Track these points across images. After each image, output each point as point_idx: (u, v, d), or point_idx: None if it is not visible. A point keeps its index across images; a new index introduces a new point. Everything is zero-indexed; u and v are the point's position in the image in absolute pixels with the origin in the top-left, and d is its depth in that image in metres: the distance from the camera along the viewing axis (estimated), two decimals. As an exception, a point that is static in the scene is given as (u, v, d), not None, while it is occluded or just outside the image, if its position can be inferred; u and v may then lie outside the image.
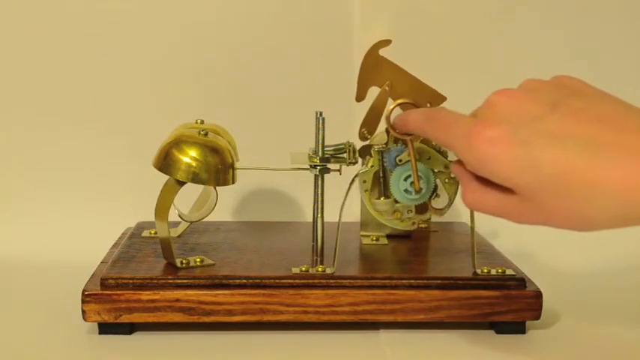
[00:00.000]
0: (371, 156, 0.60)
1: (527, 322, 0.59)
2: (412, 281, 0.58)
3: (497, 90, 0.44)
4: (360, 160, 0.62)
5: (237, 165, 0.59)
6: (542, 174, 0.40)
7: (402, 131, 0.54)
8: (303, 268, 0.58)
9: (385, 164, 0.59)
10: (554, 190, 0.39)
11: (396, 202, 0.59)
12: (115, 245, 0.69)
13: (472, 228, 0.60)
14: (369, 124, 0.67)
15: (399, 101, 0.55)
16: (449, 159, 0.59)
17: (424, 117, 0.50)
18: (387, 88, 0.66)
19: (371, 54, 0.67)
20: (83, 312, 0.56)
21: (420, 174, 0.58)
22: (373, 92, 0.69)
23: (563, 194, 0.39)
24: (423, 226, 0.72)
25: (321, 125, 0.60)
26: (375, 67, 0.66)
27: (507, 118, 0.42)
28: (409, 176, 0.58)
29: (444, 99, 0.67)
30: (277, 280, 0.57)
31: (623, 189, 0.38)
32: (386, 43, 0.67)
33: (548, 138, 0.40)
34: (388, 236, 0.69)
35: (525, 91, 0.44)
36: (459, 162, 0.46)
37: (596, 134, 0.39)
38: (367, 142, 0.62)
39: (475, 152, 0.42)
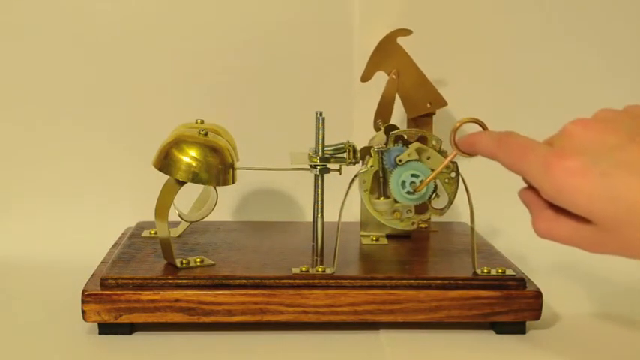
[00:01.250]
0: (371, 156, 0.60)
1: (527, 322, 0.59)
2: (412, 281, 0.58)
3: (573, 120, 0.45)
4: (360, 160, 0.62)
5: (237, 165, 0.59)
6: (621, 205, 0.40)
7: (467, 152, 0.53)
8: (303, 268, 0.58)
9: (385, 164, 0.59)
10: (633, 221, 0.40)
11: (396, 202, 0.59)
12: (115, 245, 0.69)
13: (472, 228, 0.60)
14: (383, 114, 0.67)
15: (467, 119, 0.53)
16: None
17: (496, 141, 0.49)
18: (394, 77, 0.66)
19: (388, 39, 0.67)
20: (83, 312, 0.56)
21: (419, 173, 0.58)
22: (376, 93, 0.69)
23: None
24: (423, 226, 0.71)
25: (321, 125, 0.60)
26: (388, 53, 0.67)
27: (585, 148, 0.42)
28: (410, 175, 0.58)
29: (444, 103, 0.67)
30: (277, 280, 0.57)
31: None
32: (406, 32, 0.67)
33: (627, 169, 0.40)
34: (388, 236, 0.69)
35: (601, 122, 0.44)
36: (530, 189, 0.46)
37: None
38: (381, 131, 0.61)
39: (553, 182, 0.42)
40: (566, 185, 0.41)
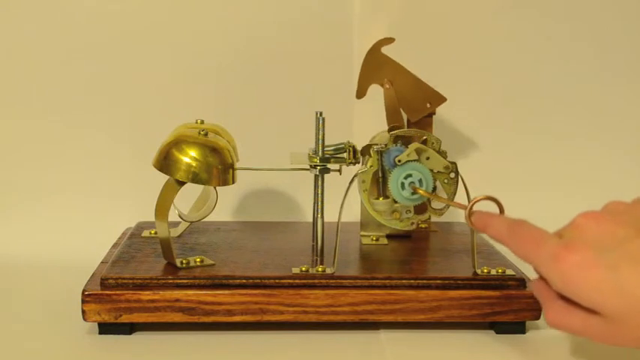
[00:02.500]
0: (370, 156, 0.60)
1: (527, 322, 0.59)
2: (412, 281, 0.58)
3: (582, 212, 0.45)
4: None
5: (237, 165, 0.59)
6: (629, 298, 0.40)
7: (479, 230, 0.53)
8: (303, 268, 0.58)
9: (384, 164, 0.59)
10: None
11: (395, 202, 0.59)
12: (115, 245, 0.69)
13: (472, 228, 0.60)
14: (395, 121, 0.67)
15: (483, 197, 0.53)
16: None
17: (508, 229, 0.49)
18: (387, 86, 0.66)
19: (373, 51, 0.67)
20: (83, 312, 0.56)
21: (417, 172, 0.58)
22: (376, 92, 0.69)
23: None
24: (423, 226, 0.72)
25: (321, 125, 0.60)
26: (376, 65, 0.67)
27: (594, 241, 0.43)
28: (408, 176, 0.58)
29: (444, 100, 0.67)
30: (277, 280, 0.57)
31: None
32: (389, 40, 0.67)
33: (634, 261, 0.41)
34: (388, 236, 0.69)
35: (611, 215, 0.45)
36: (541, 280, 0.47)
37: None
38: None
39: (562, 275, 0.43)
40: (574, 278, 0.42)
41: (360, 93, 0.68)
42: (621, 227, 0.43)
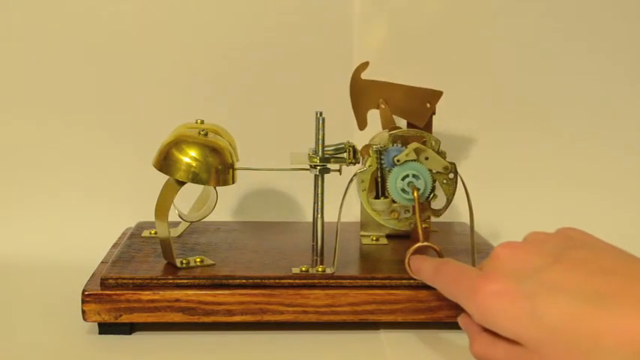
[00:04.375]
0: (369, 156, 0.60)
1: (527, 322, 0.59)
2: (412, 281, 0.58)
3: (501, 243, 0.45)
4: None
5: (237, 165, 0.59)
6: (546, 326, 0.39)
7: (415, 276, 0.55)
8: (303, 268, 0.58)
9: (383, 164, 0.59)
10: (559, 343, 0.39)
11: (394, 202, 0.59)
12: (115, 245, 0.69)
13: (472, 228, 0.60)
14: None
15: (417, 246, 0.55)
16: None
17: (433, 270, 0.51)
18: (383, 106, 0.66)
19: (355, 81, 0.67)
20: (83, 312, 0.56)
21: (417, 173, 0.58)
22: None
23: (568, 347, 0.39)
24: (423, 226, 0.71)
25: (321, 125, 0.60)
26: (363, 92, 0.67)
27: (511, 271, 0.43)
28: (406, 176, 0.58)
29: (440, 93, 0.67)
30: (277, 280, 0.57)
31: (628, 340, 0.37)
32: (364, 66, 0.67)
33: (551, 289, 0.40)
34: (388, 236, 0.69)
35: (529, 244, 0.45)
36: (466, 314, 0.47)
37: (600, 285, 0.39)
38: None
39: (480, 306, 0.43)
40: (491, 308, 0.42)
41: (361, 124, 0.69)
42: (538, 255, 0.43)
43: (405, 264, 0.55)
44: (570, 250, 0.43)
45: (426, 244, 0.55)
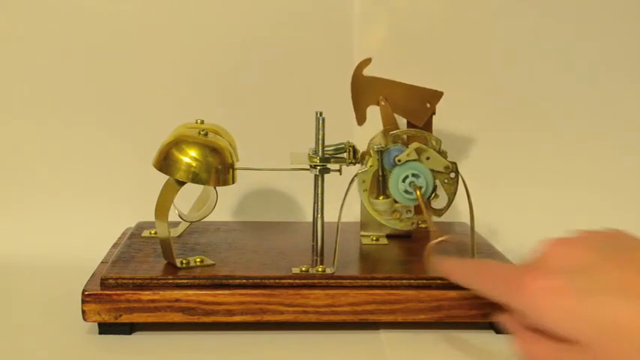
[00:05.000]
0: (370, 156, 0.60)
1: (527, 322, 0.59)
2: (412, 281, 0.58)
3: (546, 240, 0.45)
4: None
5: (237, 165, 0.59)
6: (599, 324, 0.39)
7: (442, 276, 0.54)
8: (303, 268, 0.58)
9: (384, 164, 0.59)
10: (612, 341, 0.39)
11: (395, 202, 0.59)
12: (115, 245, 0.69)
13: (472, 228, 0.60)
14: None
15: (439, 239, 0.55)
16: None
17: (471, 271, 0.50)
18: (383, 103, 0.66)
19: (356, 77, 0.67)
20: (83, 312, 0.56)
21: (418, 173, 0.58)
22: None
23: (622, 346, 0.39)
24: (423, 226, 0.72)
25: (321, 125, 0.60)
26: (364, 88, 0.67)
27: (560, 267, 0.42)
28: (407, 176, 0.58)
29: (441, 94, 0.67)
30: (277, 280, 0.57)
31: None
32: (367, 62, 0.67)
33: (604, 287, 0.40)
34: (388, 236, 0.69)
35: (578, 241, 0.45)
36: (510, 312, 0.46)
37: None
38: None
39: (530, 303, 0.42)
40: (541, 304, 0.42)
41: (360, 119, 0.69)
42: (588, 254, 0.43)
43: (425, 260, 0.54)
44: (621, 248, 0.43)
45: (445, 237, 0.55)
